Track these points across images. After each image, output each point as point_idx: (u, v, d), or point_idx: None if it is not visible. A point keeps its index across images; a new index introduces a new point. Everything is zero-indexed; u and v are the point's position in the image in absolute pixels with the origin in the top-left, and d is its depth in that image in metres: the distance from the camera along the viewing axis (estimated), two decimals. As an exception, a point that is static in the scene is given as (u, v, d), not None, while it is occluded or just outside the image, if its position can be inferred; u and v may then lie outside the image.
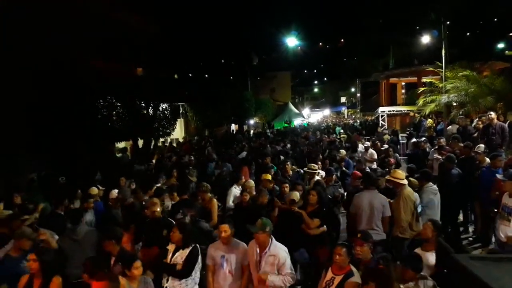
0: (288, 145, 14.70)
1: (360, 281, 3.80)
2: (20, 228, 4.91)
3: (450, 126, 12.25)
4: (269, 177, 7.57)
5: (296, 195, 6.02)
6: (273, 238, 4.36)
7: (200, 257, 4.62)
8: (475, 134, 10.50)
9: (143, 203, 6.59)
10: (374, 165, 10.00)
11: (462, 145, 8.74)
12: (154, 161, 12.13)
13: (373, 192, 6.01)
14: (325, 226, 5.71)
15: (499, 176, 5.69)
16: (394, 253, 6.26)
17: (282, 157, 11.04)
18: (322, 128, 29.86)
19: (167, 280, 4.49)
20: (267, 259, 4.26)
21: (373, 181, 6.31)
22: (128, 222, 5.72)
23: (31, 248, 4.61)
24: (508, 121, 10.32)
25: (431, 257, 4.41)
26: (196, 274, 4.60)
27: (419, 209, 6.01)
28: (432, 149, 9.60)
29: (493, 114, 9.88)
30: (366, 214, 5.79)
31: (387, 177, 6.43)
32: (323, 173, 8.40)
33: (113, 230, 4.83)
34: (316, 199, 5.84)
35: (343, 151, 10.70)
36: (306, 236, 5.70)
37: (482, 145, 8.09)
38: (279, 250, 4.31)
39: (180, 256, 4.51)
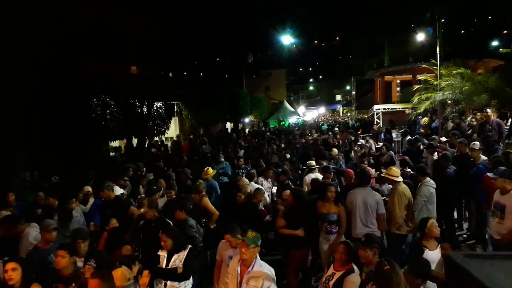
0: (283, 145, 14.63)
1: (359, 279, 3.80)
2: (45, 221, 4.97)
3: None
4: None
5: (285, 193, 6.16)
6: (258, 257, 3.78)
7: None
8: (469, 131, 10.51)
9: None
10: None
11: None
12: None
13: (366, 189, 6.01)
14: (302, 229, 5.48)
15: (490, 174, 5.65)
16: (387, 250, 6.29)
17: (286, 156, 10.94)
18: (321, 126, 29.75)
19: (165, 285, 4.42)
20: (249, 282, 3.64)
21: (368, 178, 6.28)
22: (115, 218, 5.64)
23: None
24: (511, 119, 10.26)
25: (434, 255, 4.42)
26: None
27: (419, 205, 6.04)
28: (425, 148, 9.62)
29: (489, 111, 9.87)
30: (360, 211, 5.77)
31: (382, 174, 6.43)
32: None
33: (80, 230, 4.90)
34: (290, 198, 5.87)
35: (335, 150, 10.68)
36: (279, 235, 5.77)
37: (478, 143, 8.08)
38: (265, 272, 3.68)
39: (178, 259, 4.44)
